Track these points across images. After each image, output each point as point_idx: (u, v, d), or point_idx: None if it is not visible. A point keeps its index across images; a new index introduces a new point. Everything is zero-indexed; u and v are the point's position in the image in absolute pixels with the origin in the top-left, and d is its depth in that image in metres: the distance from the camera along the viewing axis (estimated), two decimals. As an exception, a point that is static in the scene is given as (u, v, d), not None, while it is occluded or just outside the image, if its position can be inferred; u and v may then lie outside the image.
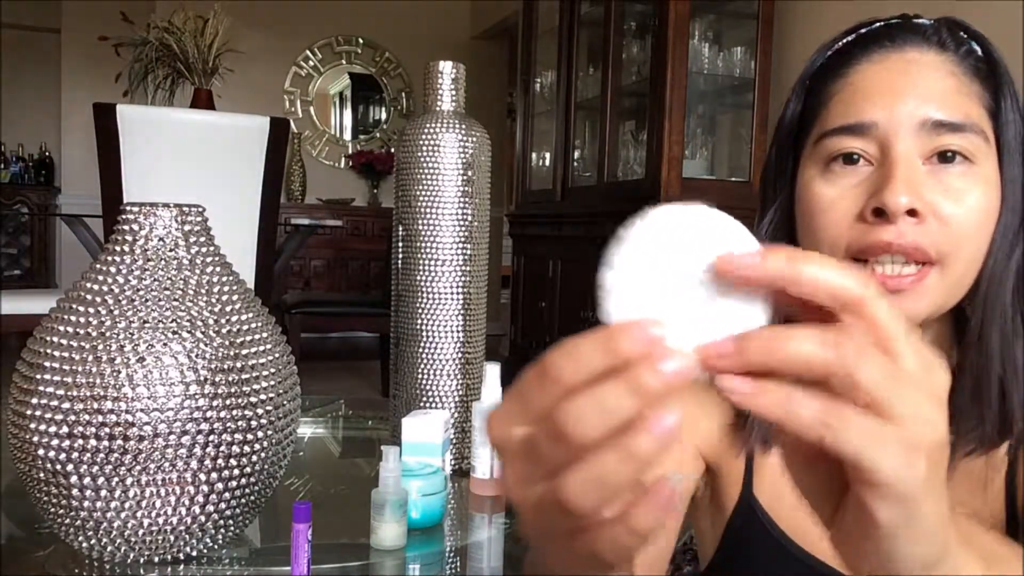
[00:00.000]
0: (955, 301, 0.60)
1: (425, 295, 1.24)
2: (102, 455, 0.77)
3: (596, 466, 0.29)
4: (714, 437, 0.68)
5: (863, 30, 0.64)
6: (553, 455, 0.30)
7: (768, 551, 0.65)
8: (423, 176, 1.24)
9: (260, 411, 0.84)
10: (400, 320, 1.28)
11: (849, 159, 0.59)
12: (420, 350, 1.25)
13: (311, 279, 5.29)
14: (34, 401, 0.78)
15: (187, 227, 0.87)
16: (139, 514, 0.79)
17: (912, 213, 0.55)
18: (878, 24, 0.63)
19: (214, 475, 0.81)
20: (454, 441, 1.24)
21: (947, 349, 0.65)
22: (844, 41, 0.64)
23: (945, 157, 0.57)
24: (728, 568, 0.68)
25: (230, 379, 0.82)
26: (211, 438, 0.80)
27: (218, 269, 0.87)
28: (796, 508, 0.65)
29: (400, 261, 1.27)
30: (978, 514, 0.62)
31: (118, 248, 0.84)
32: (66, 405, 0.77)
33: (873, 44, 0.61)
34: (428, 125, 1.24)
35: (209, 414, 0.80)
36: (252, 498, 0.86)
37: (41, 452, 0.78)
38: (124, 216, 0.85)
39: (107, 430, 0.77)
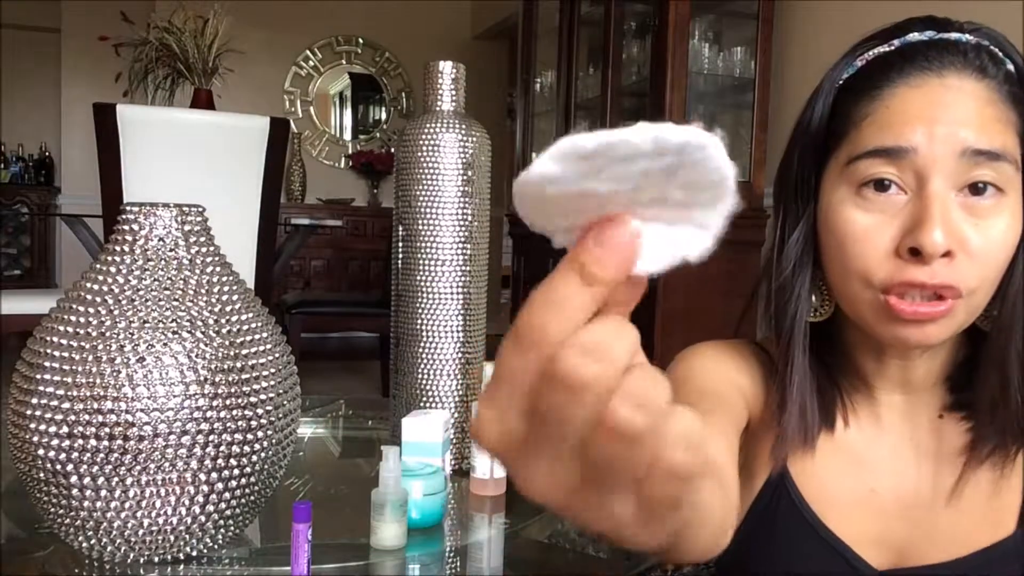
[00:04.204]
0: (973, 320, 0.61)
1: (425, 295, 1.24)
2: (102, 455, 0.77)
3: (637, 378, 0.26)
4: (762, 405, 0.69)
5: (896, 42, 0.61)
6: (573, 405, 0.26)
7: (794, 529, 0.66)
8: (423, 176, 1.24)
9: (260, 411, 0.84)
10: (400, 320, 1.28)
11: (881, 185, 0.58)
12: (420, 350, 1.25)
13: (311, 279, 5.28)
14: (34, 401, 0.78)
15: (187, 227, 0.87)
16: (139, 514, 0.79)
17: (946, 254, 0.56)
18: (914, 38, 0.61)
19: (214, 475, 0.81)
20: (454, 441, 1.24)
21: (957, 349, 0.66)
22: (877, 52, 0.62)
23: (977, 188, 0.57)
24: (749, 544, 0.68)
25: (230, 379, 0.82)
26: (211, 438, 0.80)
27: (218, 269, 0.87)
28: (826, 488, 0.66)
29: (400, 261, 1.27)
30: (987, 518, 0.63)
31: (118, 248, 0.84)
32: (66, 405, 0.77)
33: (910, 66, 0.59)
34: (428, 125, 1.24)
35: (209, 414, 0.80)
36: (252, 498, 0.86)
37: (41, 452, 0.78)
38: (124, 216, 0.85)
39: (107, 430, 0.77)
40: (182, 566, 0.85)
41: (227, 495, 0.83)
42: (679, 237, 0.28)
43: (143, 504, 0.79)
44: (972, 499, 0.64)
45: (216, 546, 0.87)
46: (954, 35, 0.60)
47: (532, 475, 0.28)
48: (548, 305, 0.27)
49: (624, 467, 0.26)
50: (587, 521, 0.29)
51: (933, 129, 0.56)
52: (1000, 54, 0.59)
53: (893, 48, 0.61)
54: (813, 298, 0.66)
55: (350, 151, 5.82)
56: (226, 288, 0.87)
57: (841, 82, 0.63)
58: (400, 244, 1.27)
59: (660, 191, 0.28)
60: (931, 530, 0.64)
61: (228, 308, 0.85)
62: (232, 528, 0.87)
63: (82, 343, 0.79)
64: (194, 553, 0.85)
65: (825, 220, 0.62)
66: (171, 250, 0.85)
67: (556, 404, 0.26)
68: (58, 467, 0.78)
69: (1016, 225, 0.58)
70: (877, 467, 0.66)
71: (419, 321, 1.25)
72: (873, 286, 0.59)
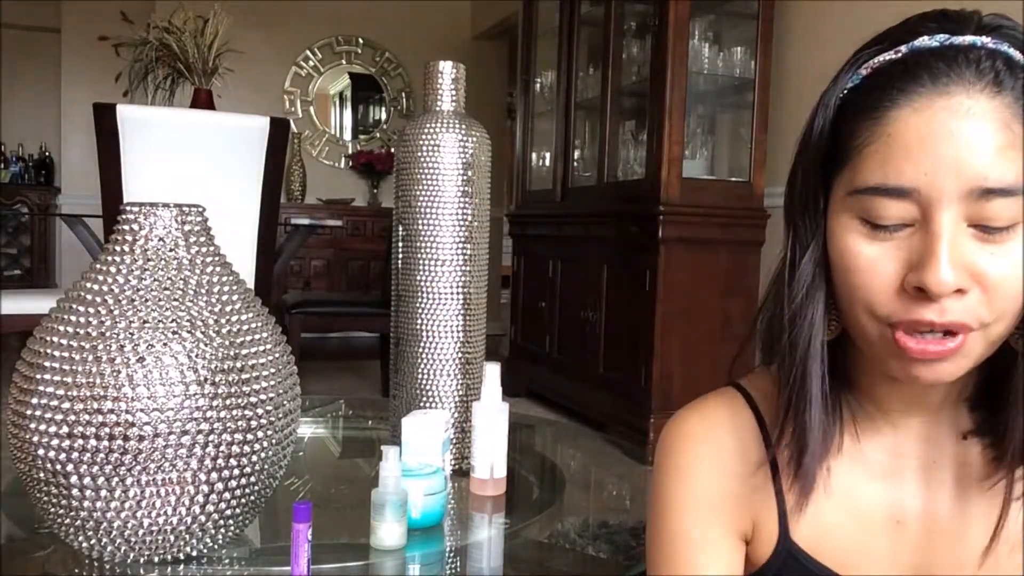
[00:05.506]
0: (993, 351, 0.57)
1: (425, 295, 1.24)
2: (102, 455, 0.77)
3: None
4: (744, 513, 0.65)
5: (904, 49, 0.55)
6: None
7: None
8: (423, 176, 1.24)
9: (260, 411, 0.84)
10: (400, 320, 1.28)
11: (883, 223, 0.55)
12: (420, 350, 1.25)
13: (311, 279, 5.29)
14: (34, 401, 0.78)
15: (187, 227, 0.87)
16: (139, 514, 0.79)
17: (957, 291, 0.52)
18: (922, 44, 0.55)
19: (214, 475, 0.81)
20: (454, 441, 1.24)
21: (980, 367, 0.61)
22: (882, 60, 0.56)
23: (989, 228, 0.53)
24: None
25: (230, 379, 0.82)
26: (211, 438, 0.80)
27: (218, 269, 0.87)
28: (841, 543, 0.64)
29: (400, 261, 1.27)
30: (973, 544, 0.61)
31: (118, 248, 0.84)
32: (66, 405, 0.77)
33: (914, 83, 0.53)
34: (428, 125, 1.24)
35: (209, 414, 0.80)
36: (252, 498, 0.86)
37: (41, 452, 0.78)
38: (124, 216, 0.85)
39: (107, 430, 0.77)
40: (182, 566, 0.85)
41: (227, 495, 0.83)
42: None
43: (143, 504, 0.79)
44: (1013, 536, 0.60)
45: (216, 546, 0.87)
46: (968, 39, 0.54)
47: None
48: None
49: None
50: None
51: (937, 166, 0.52)
52: (1021, 58, 0.54)
53: (899, 56, 0.56)
54: (832, 323, 0.61)
55: (350, 151, 5.82)
56: (226, 288, 0.87)
57: (844, 93, 0.58)
58: (400, 244, 1.27)
59: None
60: (967, 561, 0.61)
61: (228, 308, 0.85)
62: (232, 528, 0.87)
63: (82, 343, 0.79)
64: (194, 553, 0.85)
65: (832, 245, 0.59)
66: (171, 250, 0.85)
67: None
68: (58, 467, 0.78)
69: None
70: (898, 496, 0.63)
71: (419, 321, 1.25)
72: (879, 319, 0.56)
